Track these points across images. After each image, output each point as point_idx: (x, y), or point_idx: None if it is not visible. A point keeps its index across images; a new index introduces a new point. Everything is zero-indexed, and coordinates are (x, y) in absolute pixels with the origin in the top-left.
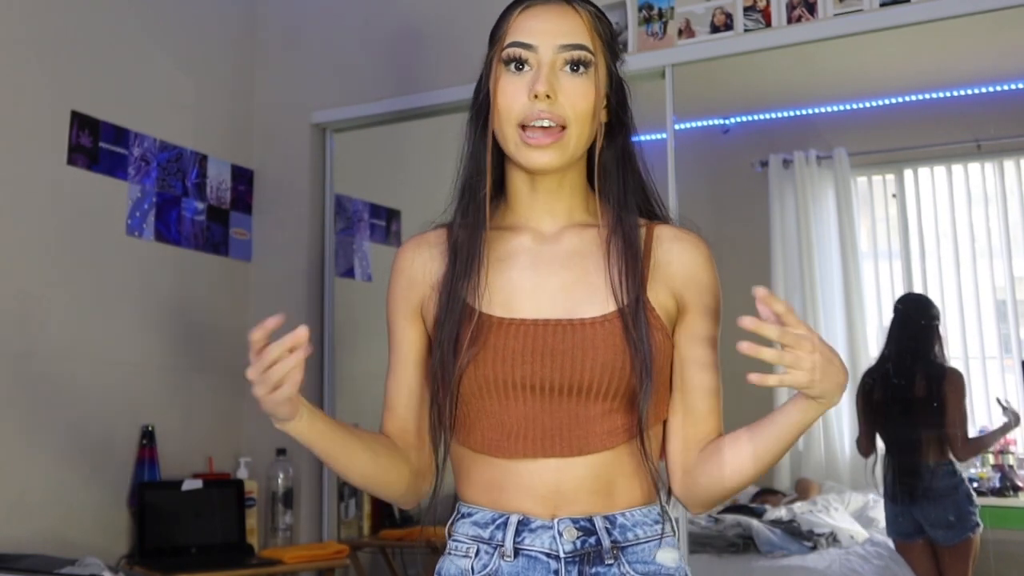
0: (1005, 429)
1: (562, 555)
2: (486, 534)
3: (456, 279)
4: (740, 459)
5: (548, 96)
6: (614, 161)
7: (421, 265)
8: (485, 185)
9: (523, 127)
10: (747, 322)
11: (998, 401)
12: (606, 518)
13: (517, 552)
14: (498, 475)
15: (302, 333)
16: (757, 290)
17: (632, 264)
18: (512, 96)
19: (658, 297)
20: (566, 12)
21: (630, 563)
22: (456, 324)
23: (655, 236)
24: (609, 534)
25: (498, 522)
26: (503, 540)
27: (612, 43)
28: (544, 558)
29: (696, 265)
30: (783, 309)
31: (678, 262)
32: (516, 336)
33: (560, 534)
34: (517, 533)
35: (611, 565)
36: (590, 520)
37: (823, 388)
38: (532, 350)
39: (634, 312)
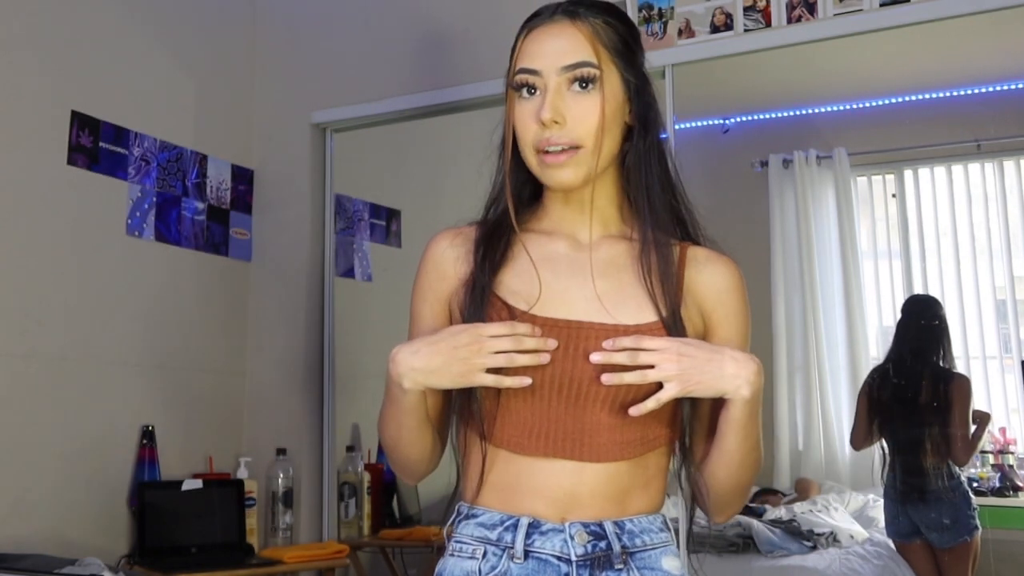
0: (981, 427)
1: (573, 559)
2: (494, 535)
3: (486, 275)
4: (718, 460)
5: (556, 122)
6: (637, 163)
7: (453, 260)
8: (507, 198)
9: (539, 151)
10: (594, 357)
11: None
12: (616, 523)
13: (527, 554)
14: (513, 474)
15: (552, 343)
16: (592, 357)
17: (665, 277)
18: (525, 124)
19: (690, 317)
20: (565, 30)
21: (639, 569)
22: (485, 317)
23: (688, 257)
24: (619, 539)
25: (507, 524)
26: (513, 542)
27: (625, 48)
28: (555, 561)
29: (726, 288)
30: (630, 343)
31: (709, 284)
32: (548, 334)
33: (572, 537)
34: (527, 535)
35: (620, 570)
36: (600, 525)
37: (707, 385)
38: (563, 349)
39: (673, 324)
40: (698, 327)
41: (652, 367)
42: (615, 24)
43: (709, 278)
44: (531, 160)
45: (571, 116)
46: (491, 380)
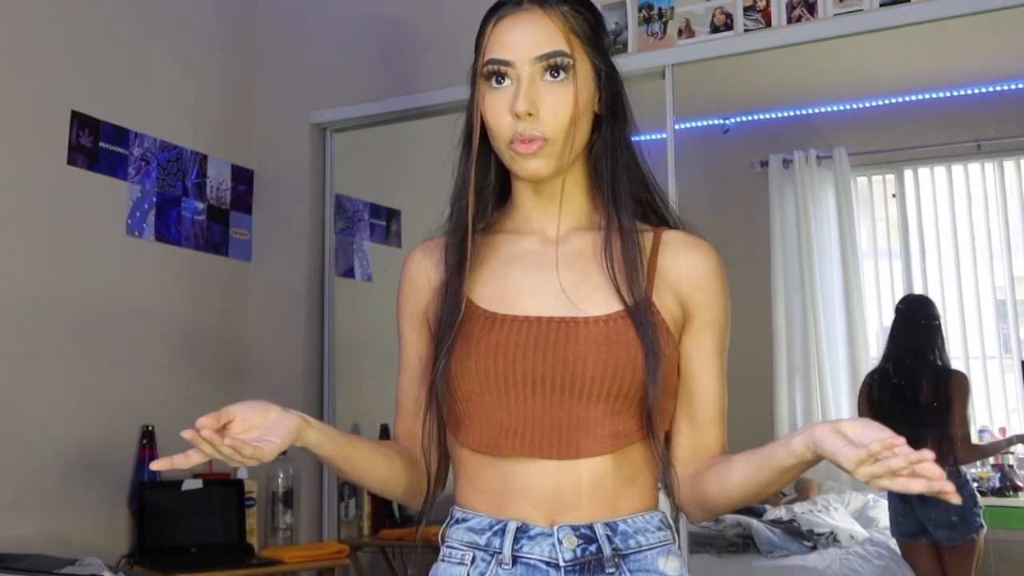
0: (1008, 443)
1: (562, 564)
2: (482, 541)
3: (454, 278)
4: (748, 477)
5: (530, 113)
6: (604, 153)
7: (426, 271)
8: (469, 192)
9: (511, 142)
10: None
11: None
12: (607, 525)
13: (515, 560)
14: (497, 477)
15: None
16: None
17: (630, 264)
18: (498, 115)
19: (664, 303)
20: (538, 20)
21: (632, 571)
22: (456, 320)
23: (662, 241)
24: (610, 542)
25: (495, 528)
26: (501, 547)
27: (596, 37)
28: (543, 566)
29: (705, 272)
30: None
31: (686, 268)
32: (519, 331)
33: (560, 542)
34: (515, 540)
35: (612, 573)
36: (591, 527)
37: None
38: (535, 344)
39: (638, 312)
40: (674, 313)
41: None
42: (584, 11)
43: (684, 262)
44: (503, 152)
45: (544, 107)
46: (197, 457)
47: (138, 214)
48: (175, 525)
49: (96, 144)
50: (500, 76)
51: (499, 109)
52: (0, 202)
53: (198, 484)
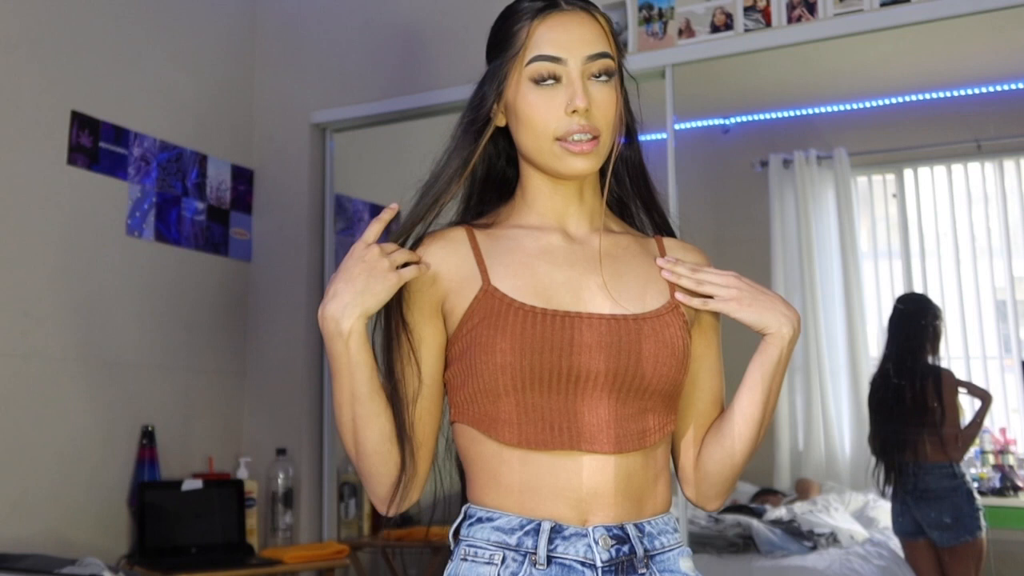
0: (983, 410)
1: (599, 564)
2: (512, 540)
3: (490, 272)
4: (738, 425)
5: (587, 109)
6: (633, 158)
7: (443, 260)
8: (459, 182)
9: (560, 139)
10: (660, 262)
11: (964, 387)
12: (636, 526)
13: (550, 560)
14: (531, 474)
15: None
16: (659, 261)
17: (655, 267)
18: (547, 112)
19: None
20: (586, 20)
21: (659, 572)
22: (499, 316)
23: (666, 247)
24: (641, 543)
25: (527, 528)
26: (535, 547)
27: (621, 49)
28: (579, 567)
29: None
30: (688, 271)
31: None
32: (558, 327)
33: (596, 542)
34: (549, 540)
35: (643, 574)
36: (622, 528)
37: (757, 314)
38: (571, 342)
39: (673, 309)
40: (689, 314)
41: (711, 297)
42: (612, 23)
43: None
44: (547, 149)
45: (595, 105)
46: (409, 272)
47: (138, 214)
48: (175, 525)
49: (96, 144)
50: (544, 78)
51: (549, 106)
52: (0, 202)
53: (198, 484)
